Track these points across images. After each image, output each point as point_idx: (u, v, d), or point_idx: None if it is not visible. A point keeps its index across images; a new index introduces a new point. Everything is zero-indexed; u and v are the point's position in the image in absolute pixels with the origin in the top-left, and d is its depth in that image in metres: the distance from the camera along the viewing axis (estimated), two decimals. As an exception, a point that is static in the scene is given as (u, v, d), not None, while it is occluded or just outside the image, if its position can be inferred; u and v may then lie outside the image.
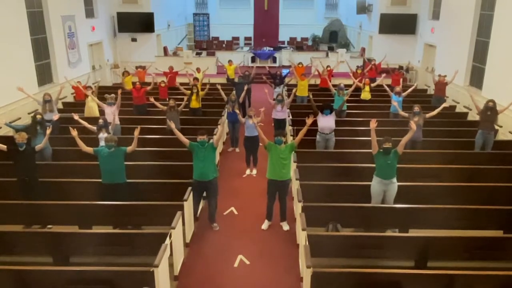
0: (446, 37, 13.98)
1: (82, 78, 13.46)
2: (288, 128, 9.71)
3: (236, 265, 5.86)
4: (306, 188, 6.58)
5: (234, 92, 10.48)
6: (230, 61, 14.74)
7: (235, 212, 7.32)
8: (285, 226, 6.76)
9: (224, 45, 23.54)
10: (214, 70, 17.56)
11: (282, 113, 9.89)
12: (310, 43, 24.31)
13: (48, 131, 7.03)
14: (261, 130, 6.82)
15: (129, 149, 6.47)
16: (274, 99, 10.06)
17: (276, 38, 24.22)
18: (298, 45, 23.76)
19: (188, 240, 6.31)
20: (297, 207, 6.36)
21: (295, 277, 5.56)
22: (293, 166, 7.31)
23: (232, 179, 8.65)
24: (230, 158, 9.79)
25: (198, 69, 13.90)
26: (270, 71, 12.90)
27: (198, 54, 19.70)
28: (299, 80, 12.02)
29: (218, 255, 6.06)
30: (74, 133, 6.60)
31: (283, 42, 24.31)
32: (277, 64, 19.82)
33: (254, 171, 8.88)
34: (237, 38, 25.02)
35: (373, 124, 6.41)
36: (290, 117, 10.17)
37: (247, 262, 5.91)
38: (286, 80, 13.01)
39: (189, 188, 6.48)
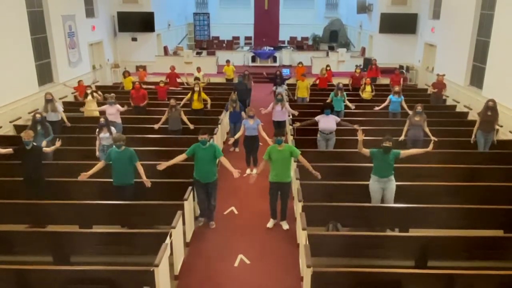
0: (447, 37, 13.97)
1: (84, 77, 13.48)
2: (288, 128, 9.71)
3: (236, 264, 5.86)
4: (306, 188, 6.58)
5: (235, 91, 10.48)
6: (227, 61, 14.64)
7: (235, 212, 7.32)
8: (285, 226, 6.76)
9: (224, 45, 23.49)
10: (215, 69, 17.59)
11: (282, 113, 9.87)
12: (310, 42, 24.28)
13: (58, 144, 6.98)
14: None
15: (136, 164, 6.37)
16: (273, 92, 9.87)
17: (276, 37, 24.15)
18: (299, 45, 23.74)
19: (188, 240, 6.32)
20: (297, 206, 6.36)
21: (295, 276, 5.56)
22: (293, 166, 7.31)
23: (232, 179, 8.52)
24: (230, 158, 9.66)
25: (198, 69, 13.79)
26: (267, 74, 12.70)
27: (199, 53, 19.69)
28: (299, 81, 12.00)
29: (218, 254, 6.07)
30: (88, 173, 6.29)
31: (283, 42, 24.27)
32: (277, 64, 19.82)
33: (254, 171, 8.86)
34: (237, 38, 25.01)
35: (360, 136, 6.44)
36: (290, 117, 10.16)
37: (247, 262, 5.91)
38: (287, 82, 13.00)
39: (189, 188, 6.48)
